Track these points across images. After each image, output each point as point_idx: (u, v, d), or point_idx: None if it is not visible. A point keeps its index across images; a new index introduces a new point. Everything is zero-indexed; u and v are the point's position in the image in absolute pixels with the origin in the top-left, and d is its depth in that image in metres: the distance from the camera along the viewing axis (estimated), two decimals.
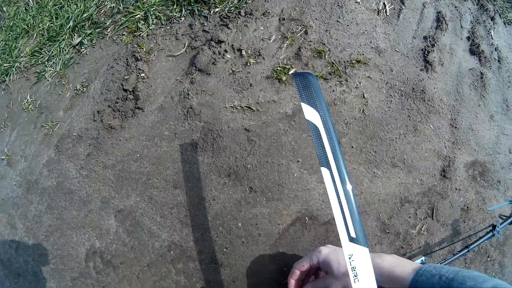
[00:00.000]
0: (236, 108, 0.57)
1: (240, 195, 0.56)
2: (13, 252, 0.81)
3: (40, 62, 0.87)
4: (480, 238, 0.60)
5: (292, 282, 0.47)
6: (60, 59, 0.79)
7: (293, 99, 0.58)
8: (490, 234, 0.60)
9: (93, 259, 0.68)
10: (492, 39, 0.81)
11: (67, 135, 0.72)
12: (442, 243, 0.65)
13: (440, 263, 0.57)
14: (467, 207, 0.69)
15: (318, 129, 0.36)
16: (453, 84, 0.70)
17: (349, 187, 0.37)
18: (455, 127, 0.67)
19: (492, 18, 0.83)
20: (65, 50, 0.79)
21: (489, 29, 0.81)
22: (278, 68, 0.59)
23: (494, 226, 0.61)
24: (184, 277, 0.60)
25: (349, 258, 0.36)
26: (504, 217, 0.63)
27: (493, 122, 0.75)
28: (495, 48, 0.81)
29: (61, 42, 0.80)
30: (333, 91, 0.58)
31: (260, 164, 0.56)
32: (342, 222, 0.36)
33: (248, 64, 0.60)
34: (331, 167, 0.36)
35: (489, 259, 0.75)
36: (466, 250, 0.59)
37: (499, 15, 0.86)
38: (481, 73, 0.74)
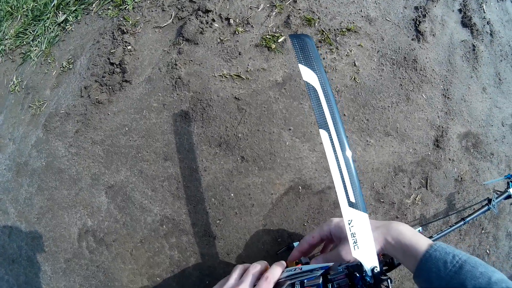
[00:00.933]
0: (225, 77, 0.56)
1: (232, 165, 0.55)
2: (6, 238, 0.79)
3: (25, 42, 0.84)
4: (476, 211, 0.60)
5: (296, 253, 0.45)
6: (45, 37, 0.76)
7: (283, 67, 0.57)
8: (486, 207, 0.60)
9: (85, 238, 0.66)
10: (484, 13, 0.80)
11: (55, 114, 0.70)
12: (437, 214, 0.65)
13: (437, 234, 0.56)
14: (461, 178, 0.69)
15: (316, 91, 0.35)
16: (445, 54, 0.69)
17: (348, 150, 0.36)
18: (448, 98, 0.67)
19: None
20: (50, 28, 0.77)
21: (481, 2, 0.80)
22: (267, 36, 0.57)
23: (489, 200, 0.60)
24: (177, 251, 0.59)
25: (349, 224, 0.35)
26: (499, 192, 0.63)
27: (486, 95, 0.75)
28: (487, 22, 0.80)
29: (45, 21, 0.78)
30: (324, 58, 0.57)
31: (251, 133, 0.54)
32: (341, 186, 0.35)
33: (237, 33, 0.58)
34: (329, 130, 0.35)
35: (483, 231, 0.75)
36: (462, 223, 0.59)
37: None
38: (473, 45, 0.74)
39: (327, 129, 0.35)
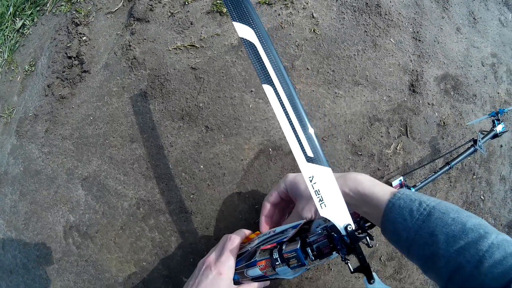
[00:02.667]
0: (180, 48, 0.54)
1: (197, 136, 0.53)
2: (1, 250, 0.79)
3: None
4: (462, 153, 0.56)
5: (263, 219, 0.44)
6: (6, 46, 0.76)
7: None
8: (472, 149, 0.56)
9: (70, 234, 0.66)
10: None
11: (24, 118, 0.70)
12: (421, 162, 0.62)
13: (421, 182, 0.53)
14: (444, 123, 0.65)
15: (255, 45, 0.33)
16: None
17: (297, 102, 0.33)
18: (419, 40, 0.63)
19: None
20: (9, 37, 0.76)
21: None
22: (218, 1, 0.55)
23: (475, 141, 0.57)
24: (158, 232, 0.57)
25: (310, 181, 0.32)
26: (485, 132, 0.60)
27: (461, 35, 0.71)
28: None
29: (4, 31, 0.77)
30: (279, 14, 0.55)
31: (212, 101, 0.52)
32: (295, 141, 0.32)
33: (186, 4, 0.56)
34: (273, 83, 0.33)
35: (474, 176, 0.71)
36: (448, 167, 0.56)
37: None
38: None
39: (271, 83, 0.33)
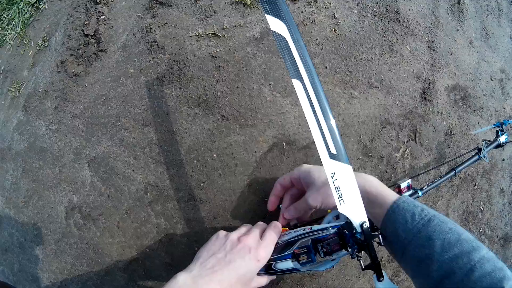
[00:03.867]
0: (201, 36, 0.54)
1: (212, 125, 0.53)
2: None
3: (0, 28, 0.82)
4: (466, 161, 0.58)
5: (272, 199, 0.45)
6: (19, 20, 0.75)
7: (260, 22, 0.55)
8: (476, 157, 0.58)
9: (72, 215, 0.65)
10: None
11: (33, 93, 0.68)
12: (427, 167, 0.63)
13: (428, 186, 0.55)
14: (451, 132, 0.67)
15: (286, 40, 0.33)
16: (429, 7, 0.67)
17: (324, 98, 0.33)
18: (433, 50, 0.65)
19: None
20: (24, 10, 0.75)
21: None
22: None
23: (479, 149, 0.59)
24: (164, 219, 0.57)
25: (332, 177, 0.33)
26: (489, 141, 0.62)
27: (473, 48, 0.73)
28: None
29: (19, 4, 0.76)
30: (302, 12, 0.55)
31: (230, 90, 0.53)
32: (320, 137, 0.33)
33: None
34: (303, 79, 0.33)
35: (476, 187, 0.74)
36: (453, 173, 0.58)
37: None
38: None
39: (300, 78, 0.33)
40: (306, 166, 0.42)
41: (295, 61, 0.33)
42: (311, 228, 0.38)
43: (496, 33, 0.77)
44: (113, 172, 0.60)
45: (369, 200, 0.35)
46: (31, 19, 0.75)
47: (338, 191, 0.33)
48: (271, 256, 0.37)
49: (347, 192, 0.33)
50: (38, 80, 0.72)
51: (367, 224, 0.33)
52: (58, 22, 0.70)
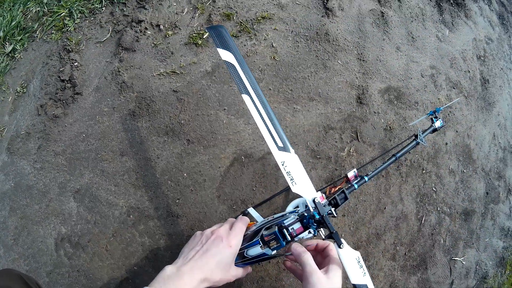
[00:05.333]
0: (163, 74, 0.70)
1: (180, 149, 0.68)
2: None
3: None
4: (405, 146, 0.74)
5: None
6: None
7: (210, 58, 0.72)
8: (414, 142, 0.74)
9: (62, 246, 0.77)
10: None
11: (16, 136, 0.82)
12: (373, 161, 0.80)
13: (372, 172, 0.70)
14: (390, 127, 0.85)
15: (234, 66, 0.48)
16: (355, 24, 0.87)
17: (268, 105, 0.47)
18: (363, 60, 0.84)
19: None
20: (0, 59, 0.89)
21: None
22: (194, 34, 0.73)
23: (416, 136, 0.75)
24: (147, 237, 0.71)
25: (283, 165, 0.45)
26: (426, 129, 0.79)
27: (400, 52, 0.93)
28: None
29: None
30: (245, 45, 0.73)
31: (192, 118, 0.68)
32: (269, 135, 0.47)
33: (167, 36, 0.73)
34: (250, 93, 0.47)
35: (424, 171, 0.91)
36: (394, 158, 0.72)
37: None
38: (382, 12, 0.92)
39: (248, 93, 0.47)
40: (315, 273, 0.42)
41: (243, 80, 0.48)
42: (273, 217, 0.50)
43: (422, 36, 0.97)
44: (97, 200, 0.73)
45: None
46: (8, 67, 0.89)
47: (289, 175, 0.45)
48: (242, 245, 0.47)
49: (296, 175, 0.45)
50: (20, 124, 0.85)
51: (318, 199, 0.44)
52: (34, 70, 0.85)
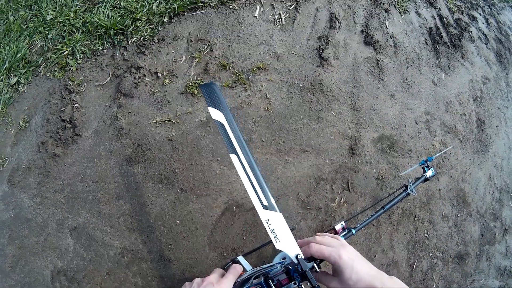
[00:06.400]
0: (159, 123, 0.74)
1: (174, 196, 0.72)
2: None
3: None
4: (395, 198, 0.76)
5: (300, 242, 0.50)
6: (0, 100, 0.93)
7: (205, 108, 0.75)
8: (404, 193, 0.77)
9: (58, 279, 0.81)
10: (387, 28, 1.01)
11: (17, 169, 0.86)
12: (363, 212, 0.83)
13: (360, 224, 0.74)
14: (382, 176, 0.88)
15: (224, 125, 0.49)
16: (350, 73, 0.89)
17: (254, 165, 0.49)
18: (357, 110, 0.86)
19: (386, 10, 1.03)
20: (4, 90, 0.93)
21: (383, 20, 1.01)
22: (190, 83, 0.76)
23: (406, 186, 0.78)
24: (140, 278, 0.75)
25: (267, 223, 0.47)
26: (417, 178, 0.82)
27: (395, 100, 0.95)
28: (390, 36, 1.01)
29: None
30: (239, 96, 0.76)
31: (186, 167, 0.72)
32: (254, 194, 0.48)
33: (165, 84, 0.76)
34: (237, 153, 0.49)
35: (416, 218, 0.94)
36: (382, 210, 0.74)
37: (394, 5, 1.06)
38: (377, 59, 0.94)
39: (236, 153, 0.49)
40: (348, 260, 0.44)
41: (231, 140, 0.49)
42: (262, 267, 0.52)
43: (417, 81, 0.99)
44: (93, 239, 0.77)
45: None
46: (11, 99, 0.93)
47: (273, 232, 0.47)
48: None
49: (280, 233, 0.47)
50: (21, 157, 0.89)
51: (301, 255, 0.46)
52: (37, 106, 0.89)
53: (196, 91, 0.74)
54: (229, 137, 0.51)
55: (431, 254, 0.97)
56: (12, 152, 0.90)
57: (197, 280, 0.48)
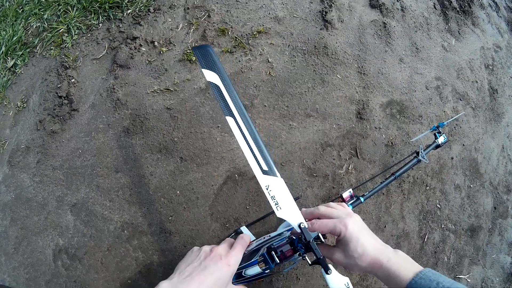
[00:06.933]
0: (157, 92, 0.70)
1: (173, 166, 0.68)
2: None
3: None
4: (405, 164, 0.71)
5: (303, 212, 0.48)
6: None
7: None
8: (415, 160, 0.71)
9: (60, 257, 0.79)
10: None
11: (17, 149, 0.84)
12: (373, 179, 0.78)
13: (369, 192, 0.68)
14: (392, 143, 0.82)
15: (219, 87, 0.46)
16: (356, 36, 0.84)
17: (253, 127, 0.45)
18: (364, 73, 0.81)
19: None
20: (1, 74, 0.92)
21: None
22: (188, 51, 0.72)
23: (417, 153, 0.72)
24: (141, 252, 0.71)
25: (267, 189, 0.43)
26: (428, 145, 0.76)
27: (404, 64, 0.89)
28: None
29: None
30: (239, 61, 0.72)
31: (185, 136, 0.68)
32: (253, 159, 0.45)
33: (161, 53, 0.73)
34: (234, 115, 0.45)
35: (428, 188, 0.88)
36: (392, 178, 0.70)
37: None
38: (384, 23, 0.89)
39: (232, 115, 0.45)
40: (354, 232, 0.43)
41: (227, 102, 0.46)
42: (269, 236, 0.49)
43: (426, 46, 0.93)
44: (92, 215, 0.74)
45: (390, 276, 0.40)
46: (9, 82, 0.91)
47: (274, 199, 0.43)
48: (240, 265, 0.44)
49: (281, 199, 0.44)
50: (20, 138, 0.87)
51: (304, 224, 0.43)
52: (34, 85, 0.87)
53: (194, 58, 0.71)
54: (225, 99, 0.47)
55: (443, 226, 0.91)
56: (12, 134, 0.88)
57: (206, 248, 0.45)
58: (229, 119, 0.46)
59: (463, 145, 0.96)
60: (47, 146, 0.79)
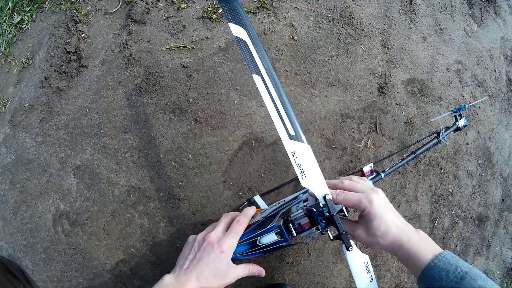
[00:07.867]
0: (173, 49, 0.64)
1: (187, 128, 0.62)
2: None
3: None
4: (426, 144, 0.67)
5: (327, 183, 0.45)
6: (3, 40, 0.84)
7: (225, 34, 0.66)
8: (435, 140, 0.68)
9: (60, 222, 0.73)
10: None
11: (19, 108, 0.77)
12: (391, 156, 0.73)
13: (390, 168, 0.64)
14: (411, 121, 0.78)
15: (246, 42, 0.42)
16: (381, 9, 0.79)
17: (281, 89, 0.42)
18: (388, 48, 0.76)
19: None
20: (7, 30, 0.85)
21: None
22: (208, 8, 0.66)
23: (438, 133, 0.68)
24: (147, 219, 0.66)
25: (293, 155, 0.40)
26: (448, 127, 0.72)
27: (427, 43, 0.85)
28: None
29: (2, 24, 0.86)
30: (262, 22, 0.66)
31: (201, 96, 0.63)
32: (280, 122, 0.41)
33: (180, 9, 0.67)
34: (262, 74, 0.41)
35: (442, 171, 0.84)
36: (413, 155, 0.66)
37: None
38: None
39: (259, 73, 0.41)
40: (379, 208, 0.40)
41: (255, 59, 0.42)
42: (284, 200, 0.45)
43: (449, 28, 0.89)
44: (97, 177, 0.68)
45: (409, 257, 0.39)
46: (15, 38, 0.85)
47: (300, 167, 0.40)
48: (254, 233, 0.42)
49: (308, 168, 0.40)
50: (24, 96, 0.81)
51: (329, 196, 0.39)
52: (41, 41, 0.80)
53: (214, 16, 0.65)
54: (252, 56, 0.43)
55: (453, 212, 0.87)
56: (15, 92, 0.82)
57: (199, 238, 0.44)
58: (256, 78, 0.41)
59: (478, 132, 0.92)
60: (52, 104, 0.73)
